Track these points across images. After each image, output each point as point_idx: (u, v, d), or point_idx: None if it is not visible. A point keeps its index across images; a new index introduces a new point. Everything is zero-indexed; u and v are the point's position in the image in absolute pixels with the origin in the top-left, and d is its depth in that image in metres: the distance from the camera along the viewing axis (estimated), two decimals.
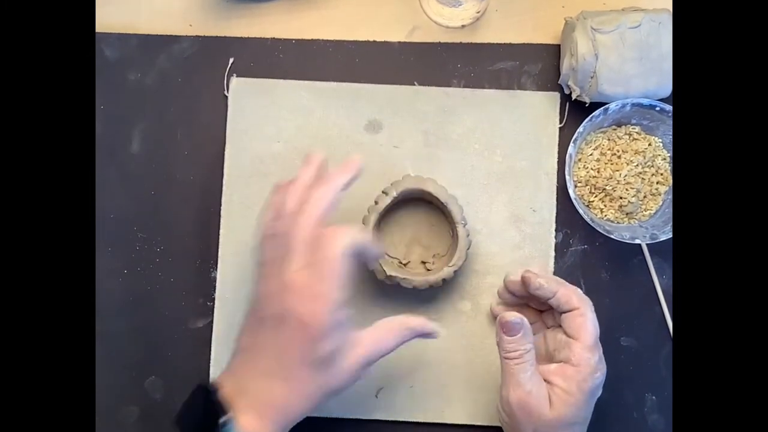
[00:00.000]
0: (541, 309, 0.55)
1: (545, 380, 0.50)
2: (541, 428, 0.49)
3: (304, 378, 0.45)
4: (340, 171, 0.49)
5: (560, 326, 0.51)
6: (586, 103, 0.57)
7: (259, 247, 0.48)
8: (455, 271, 0.54)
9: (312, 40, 0.60)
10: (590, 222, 0.54)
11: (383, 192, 0.54)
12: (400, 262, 0.57)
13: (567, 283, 0.52)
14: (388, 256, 0.57)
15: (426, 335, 0.49)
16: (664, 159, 0.57)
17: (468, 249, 0.55)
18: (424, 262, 0.57)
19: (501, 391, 0.51)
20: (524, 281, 0.52)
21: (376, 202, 0.54)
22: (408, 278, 0.54)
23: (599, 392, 0.50)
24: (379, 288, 0.57)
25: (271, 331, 0.45)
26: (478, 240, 0.58)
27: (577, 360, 0.49)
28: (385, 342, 0.48)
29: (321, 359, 0.45)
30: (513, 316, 0.50)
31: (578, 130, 0.55)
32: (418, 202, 0.57)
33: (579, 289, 0.52)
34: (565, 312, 0.51)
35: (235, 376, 0.47)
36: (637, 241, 0.55)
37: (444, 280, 0.54)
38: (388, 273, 0.54)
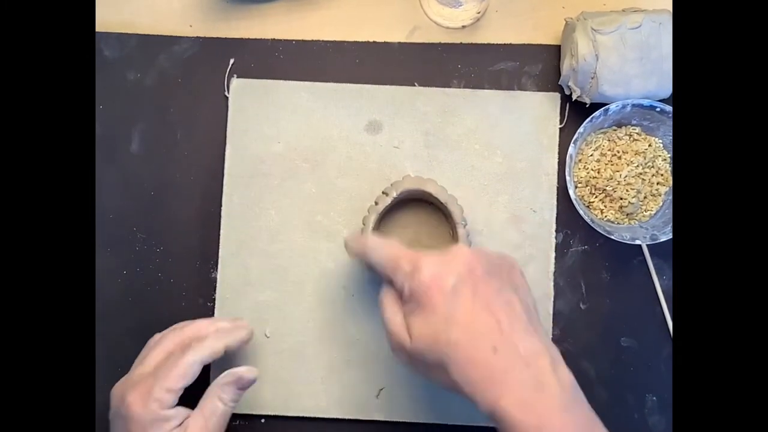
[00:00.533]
0: None
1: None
2: (418, 362, 0.45)
3: None
4: (228, 331, 0.52)
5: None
6: (586, 103, 0.57)
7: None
8: None
9: (312, 40, 0.60)
10: (590, 223, 0.54)
11: (383, 192, 0.54)
12: None
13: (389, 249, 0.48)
14: None
15: (247, 383, 0.51)
16: (665, 160, 0.57)
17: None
18: None
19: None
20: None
21: (376, 203, 0.54)
22: None
23: (449, 280, 0.43)
24: (377, 291, 0.57)
25: (114, 430, 0.49)
26: (479, 240, 0.58)
27: (396, 281, 0.46)
28: (211, 411, 0.49)
29: (155, 423, 0.46)
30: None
31: (578, 131, 0.55)
32: (418, 202, 0.57)
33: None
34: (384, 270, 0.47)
35: None
36: (638, 242, 0.55)
37: None
38: None
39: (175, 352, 0.49)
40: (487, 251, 0.47)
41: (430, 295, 0.43)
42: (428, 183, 0.54)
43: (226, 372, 0.51)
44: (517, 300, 0.45)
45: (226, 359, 0.53)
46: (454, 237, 0.56)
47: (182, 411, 0.49)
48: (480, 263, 0.45)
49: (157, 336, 0.53)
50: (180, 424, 0.48)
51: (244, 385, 0.50)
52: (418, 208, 0.57)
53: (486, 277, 0.44)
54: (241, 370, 0.50)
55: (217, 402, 0.50)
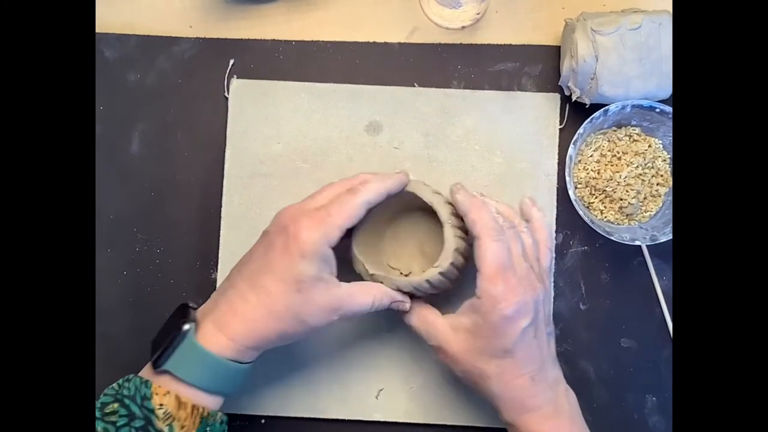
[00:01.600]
0: None
1: (463, 317, 0.50)
2: (461, 364, 0.50)
3: (276, 293, 0.47)
4: (393, 178, 0.52)
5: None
6: (586, 104, 0.57)
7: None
8: (441, 273, 0.51)
9: (312, 41, 0.60)
10: (590, 223, 0.54)
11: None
12: (402, 273, 0.57)
13: (487, 207, 0.50)
14: (390, 267, 0.56)
15: (399, 306, 0.52)
16: (664, 160, 0.57)
17: (459, 250, 0.52)
18: (424, 271, 0.56)
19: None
20: (451, 190, 0.51)
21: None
22: (390, 278, 0.52)
23: (523, 322, 0.48)
24: None
25: (265, 245, 0.48)
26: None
27: (479, 291, 0.48)
28: (360, 298, 0.50)
29: (298, 279, 0.46)
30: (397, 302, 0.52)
31: (578, 132, 0.55)
32: (421, 211, 0.56)
33: (496, 217, 0.50)
34: (474, 238, 0.49)
35: (212, 298, 0.50)
36: (637, 243, 0.55)
37: (428, 281, 0.51)
38: (371, 272, 0.52)
39: (342, 194, 0.50)
40: (546, 285, 0.51)
41: (504, 328, 0.48)
42: (413, 184, 0.53)
43: (389, 289, 0.52)
44: (553, 338, 0.52)
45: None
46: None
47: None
48: (543, 307, 0.50)
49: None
50: (329, 276, 0.48)
51: (396, 308, 0.53)
52: (421, 216, 0.57)
53: (543, 321, 0.50)
54: (403, 297, 0.53)
55: (370, 299, 0.50)
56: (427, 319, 0.52)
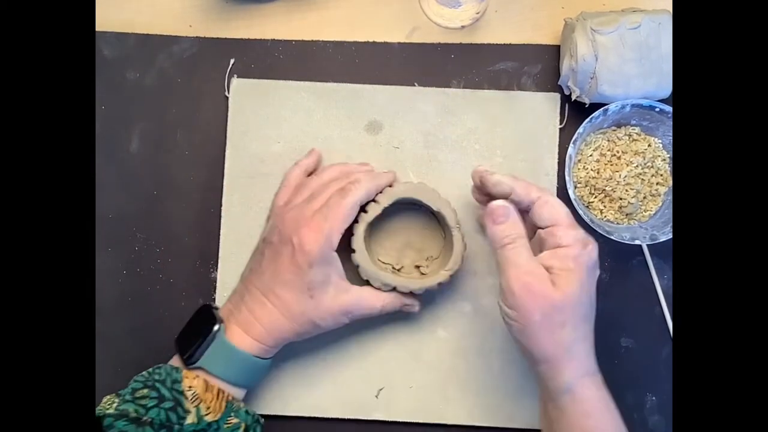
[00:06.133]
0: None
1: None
2: (549, 311, 0.47)
3: (290, 300, 0.51)
4: (383, 175, 0.56)
5: (535, 231, 0.51)
6: (585, 104, 0.57)
7: (279, 193, 0.56)
8: (451, 275, 0.54)
9: (312, 41, 0.60)
10: (590, 223, 0.54)
11: (374, 200, 0.54)
12: (394, 268, 0.57)
13: (522, 179, 0.52)
14: (381, 262, 0.57)
15: (409, 309, 0.55)
16: (664, 160, 0.57)
17: (465, 251, 0.55)
18: (418, 266, 0.57)
19: (501, 285, 0.49)
20: (481, 180, 0.52)
21: (366, 211, 0.54)
22: (404, 284, 0.54)
23: (597, 270, 0.50)
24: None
25: (272, 255, 0.52)
26: (478, 240, 0.58)
27: (565, 240, 0.48)
28: (369, 300, 0.53)
29: (309, 287, 0.51)
30: (500, 203, 0.50)
31: (578, 131, 0.55)
32: (410, 207, 0.57)
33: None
34: (528, 206, 0.50)
35: (231, 301, 0.53)
36: (637, 242, 0.55)
37: (440, 284, 0.54)
38: (384, 281, 0.54)
39: (335, 195, 0.52)
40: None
41: (593, 272, 0.49)
42: (420, 190, 0.54)
43: (400, 295, 0.54)
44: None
45: None
46: (447, 240, 0.56)
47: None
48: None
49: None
50: (338, 279, 0.52)
51: (405, 310, 0.55)
52: (409, 211, 0.57)
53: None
54: (411, 301, 0.55)
55: (379, 304, 0.54)
56: (529, 254, 0.49)
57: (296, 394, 0.57)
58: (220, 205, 0.59)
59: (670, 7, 0.56)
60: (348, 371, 0.57)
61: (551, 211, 0.50)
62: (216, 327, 0.51)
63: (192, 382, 0.50)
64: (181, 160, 0.60)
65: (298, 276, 0.51)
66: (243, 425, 0.51)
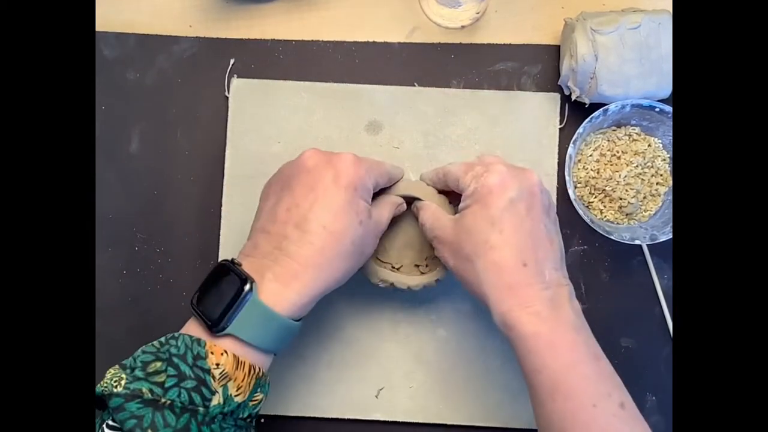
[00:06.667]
0: None
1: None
2: (453, 249, 0.48)
3: (339, 230, 0.46)
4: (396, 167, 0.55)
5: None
6: (585, 104, 0.57)
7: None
8: (448, 272, 0.53)
9: (312, 41, 0.60)
10: (590, 223, 0.54)
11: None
12: (393, 267, 0.57)
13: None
14: (380, 261, 0.57)
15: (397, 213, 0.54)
16: (664, 160, 0.57)
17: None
18: (417, 266, 0.57)
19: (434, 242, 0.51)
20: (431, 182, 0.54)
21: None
22: (403, 280, 0.54)
23: (507, 192, 0.47)
24: (376, 291, 0.57)
25: (308, 183, 0.47)
26: None
27: (462, 186, 0.49)
28: (386, 213, 0.51)
29: (358, 211, 0.46)
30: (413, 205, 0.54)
31: (578, 131, 0.55)
32: (408, 204, 0.57)
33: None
34: (453, 186, 0.51)
35: (255, 253, 0.47)
36: (637, 242, 0.55)
37: (438, 280, 0.54)
38: (382, 277, 0.53)
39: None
40: (548, 192, 0.50)
41: (490, 197, 0.46)
42: (417, 188, 0.54)
43: (392, 197, 0.53)
44: (556, 241, 0.49)
45: None
46: None
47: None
48: (541, 194, 0.48)
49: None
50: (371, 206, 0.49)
51: (397, 213, 0.54)
52: (410, 212, 0.57)
53: (540, 206, 0.47)
54: (400, 200, 0.54)
55: (388, 211, 0.52)
56: (435, 213, 0.51)
57: (296, 394, 0.57)
58: (220, 205, 0.59)
59: (670, 7, 0.56)
60: (348, 371, 0.57)
61: (451, 176, 0.51)
62: (247, 286, 0.44)
63: (219, 358, 0.43)
64: (181, 160, 0.60)
65: (344, 200, 0.46)
66: (263, 398, 0.46)
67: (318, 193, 0.46)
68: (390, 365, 0.57)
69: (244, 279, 0.44)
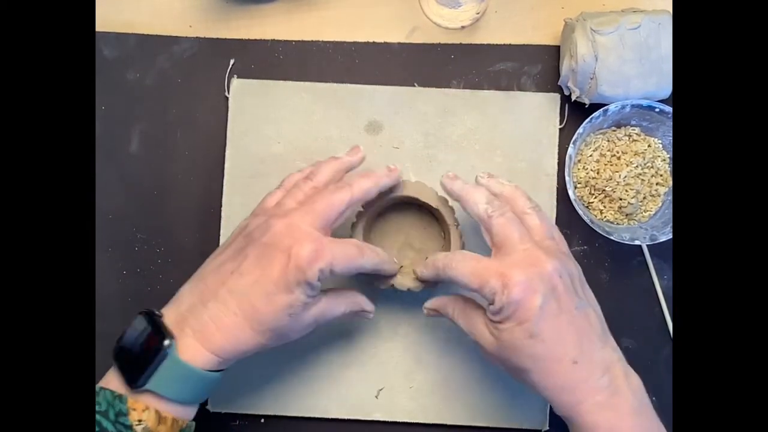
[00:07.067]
0: None
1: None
2: (501, 362, 0.47)
3: (266, 314, 0.45)
4: (384, 175, 0.52)
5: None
6: (585, 104, 0.57)
7: (273, 193, 0.52)
8: None
9: (312, 41, 0.60)
10: (590, 223, 0.54)
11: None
12: None
13: (479, 192, 0.50)
14: None
15: (364, 312, 0.53)
16: (664, 160, 0.57)
17: (462, 250, 0.54)
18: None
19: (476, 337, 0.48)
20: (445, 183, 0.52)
21: (363, 208, 0.54)
22: (403, 282, 0.54)
23: (536, 300, 0.45)
24: (377, 292, 0.57)
25: (259, 259, 0.46)
26: (478, 240, 0.58)
27: (487, 297, 0.46)
28: (336, 309, 0.50)
29: (292, 305, 0.45)
30: (427, 304, 0.52)
31: (578, 132, 0.55)
32: (408, 205, 0.57)
33: (486, 206, 0.49)
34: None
35: (181, 305, 0.47)
36: (637, 242, 0.55)
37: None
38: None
39: (335, 193, 0.49)
40: (562, 260, 0.47)
41: (520, 312, 0.45)
42: (417, 189, 0.54)
43: (360, 297, 0.52)
44: (592, 312, 0.48)
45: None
46: (446, 238, 0.56)
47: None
48: (561, 278, 0.46)
49: (305, 170, 0.53)
50: (314, 298, 0.47)
51: (363, 317, 0.53)
52: (409, 210, 0.57)
53: (566, 293, 0.46)
54: (370, 307, 0.53)
55: (343, 308, 0.50)
56: (469, 315, 0.49)
57: (296, 394, 0.57)
58: (220, 205, 0.59)
59: (670, 7, 0.56)
60: (348, 371, 0.57)
61: (461, 283, 0.48)
62: (166, 342, 0.44)
63: (141, 414, 0.43)
64: (181, 160, 0.60)
65: (284, 293, 0.45)
66: None
67: (263, 273, 0.45)
68: (390, 365, 0.57)
69: (163, 335, 0.44)
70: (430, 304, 0.53)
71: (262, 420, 0.58)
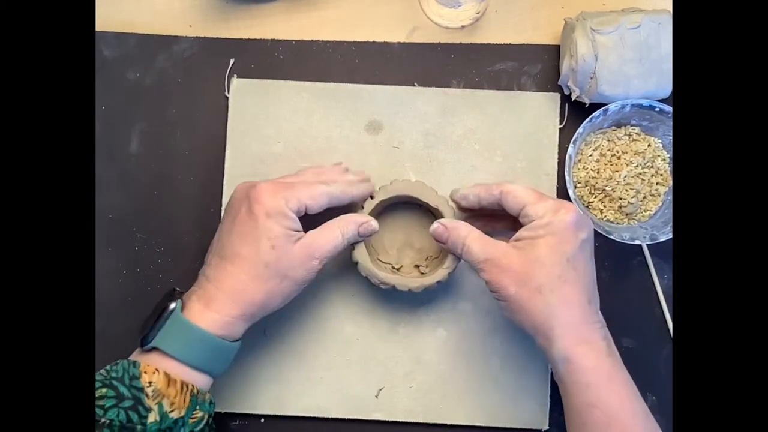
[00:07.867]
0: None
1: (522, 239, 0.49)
2: (520, 279, 0.48)
3: (251, 256, 0.48)
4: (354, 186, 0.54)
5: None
6: (585, 103, 0.57)
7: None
8: (450, 273, 0.54)
9: (312, 41, 0.60)
10: None
11: (370, 196, 0.54)
12: (393, 267, 0.57)
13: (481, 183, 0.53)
14: (380, 261, 0.57)
15: (366, 228, 0.52)
16: (664, 160, 0.57)
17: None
18: (417, 266, 0.57)
19: (480, 274, 0.50)
20: (456, 203, 0.54)
21: (362, 207, 0.54)
22: (403, 282, 0.54)
23: (582, 232, 0.49)
24: (377, 291, 0.57)
25: (228, 218, 0.50)
26: None
27: (533, 214, 0.49)
28: (328, 235, 0.50)
29: (268, 237, 0.48)
30: (434, 225, 0.52)
31: (578, 131, 0.55)
32: (408, 205, 0.57)
33: (500, 184, 0.51)
34: (499, 203, 0.51)
35: (195, 284, 0.50)
36: (637, 242, 0.55)
37: (439, 282, 0.54)
38: (382, 279, 0.53)
39: (309, 178, 0.52)
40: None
41: (567, 233, 0.48)
42: (417, 188, 0.54)
43: (350, 214, 0.52)
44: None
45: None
46: None
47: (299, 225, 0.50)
48: (594, 241, 0.50)
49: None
50: (297, 232, 0.49)
51: (365, 232, 0.52)
52: (410, 210, 0.57)
53: (592, 251, 0.50)
54: (366, 218, 0.52)
55: (336, 232, 0.51)
56: (482, 237, 0.50)
57: (296, 394, 0.57)
58: (220, 205, 0.59)
59: (670, 7, 0.56)
60: (348, 371, 0.57)
61: (514, 198, 0.50)
62: (173, 305, 0.48)
63: (152, 377, 0.46)
64: (181, 160, 0.60)
65: (255, 228, 0.48)
66: (207, 416, 0.48)
67: (235, 223, 0.49)
68: (390, 365, 0.57)
69: (172, 299, 0.48)
70: (440, 222, 0.52)
71: (262, 420, 0.58)
